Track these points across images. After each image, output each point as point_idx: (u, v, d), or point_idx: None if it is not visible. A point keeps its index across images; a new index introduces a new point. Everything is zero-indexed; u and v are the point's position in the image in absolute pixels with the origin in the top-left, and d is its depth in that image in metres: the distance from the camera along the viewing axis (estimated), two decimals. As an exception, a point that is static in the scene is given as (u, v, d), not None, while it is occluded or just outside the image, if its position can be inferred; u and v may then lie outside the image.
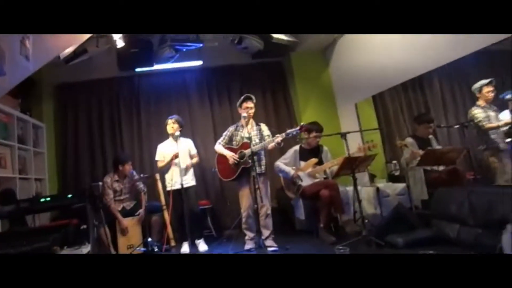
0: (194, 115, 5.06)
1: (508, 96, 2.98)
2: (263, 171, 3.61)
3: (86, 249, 2.59)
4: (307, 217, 3.83)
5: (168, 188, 3.79)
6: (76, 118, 4.86)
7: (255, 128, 3.70)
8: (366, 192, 4.06)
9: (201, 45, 4.31)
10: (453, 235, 2.63)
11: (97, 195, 2.84)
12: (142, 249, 3.79)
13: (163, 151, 3.91)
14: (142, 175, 4.02)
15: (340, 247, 2.09)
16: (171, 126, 3.86)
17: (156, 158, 3.98)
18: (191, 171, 3.91)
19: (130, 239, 3.87)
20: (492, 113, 3.09)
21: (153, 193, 4.33)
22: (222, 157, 3.69)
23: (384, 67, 3.97)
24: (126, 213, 3.95)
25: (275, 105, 5.27)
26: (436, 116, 3.66)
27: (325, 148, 3.97)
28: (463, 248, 2.45)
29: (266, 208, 3.53)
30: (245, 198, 3.60)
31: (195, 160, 3.96)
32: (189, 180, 3.82)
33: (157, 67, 4.66)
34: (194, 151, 4.01)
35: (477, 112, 3.11)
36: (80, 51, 4.03)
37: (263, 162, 3.63)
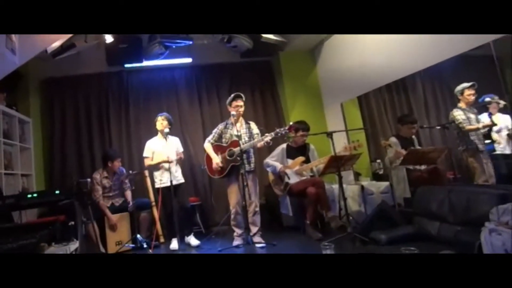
0: (183, 112, 5.06)
1: (487, 99, 3.10)
2: (252, 169, 3.66)
3: (74, 245, 2.59)
4: (294, 213, 3.91)
5: (157, 186, 3.80)
6: (64, 113, 4.80)
7: (244, 126, 3.74)
8: (351, 190, 4.16)
9: (190, 42, 4.32)
10: (434, 232, 2.73)
11: (85, 191, 2.83)
12: (131, 245, 3.80)
13: (152, 148, 3.92)
14: (131, 172, 4.02)
15: (326, 243, 2.16)
16: (161, 122, 3.86)
17: (144, 154, 3.97)
18: (179, 169, 3.93)
19: (119, 236, 3.87)
20: (472, 115, 3.20)
21: (142, 189, 4.34)
22: (210, 156, 3.73)
23: (369, 68, 4.07)
24: (115, 210, 3.94)
25: (264, 104, 5.32)
26: (419, 117, 3.78)
27: (311, 146, 4.05)
28: (443, 244, 2.55)
29: (254, 205, 3.60)
30: (233, 195, 3.65)
31: (179, 156, 3.96)
32: (179, 178, 3.84)
33: (146, 63, 4.64)
34: (181, 149, 4.03)
35: (458, 114, 3.21)
36: (68, 45, 3.98)
37: (252, 160, 3.69)
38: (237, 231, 3.66)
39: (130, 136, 4.88)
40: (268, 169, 4.01)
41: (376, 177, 4.36)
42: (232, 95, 3.70)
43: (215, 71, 5.26)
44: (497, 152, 3.08)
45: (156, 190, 3.84)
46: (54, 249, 2.39)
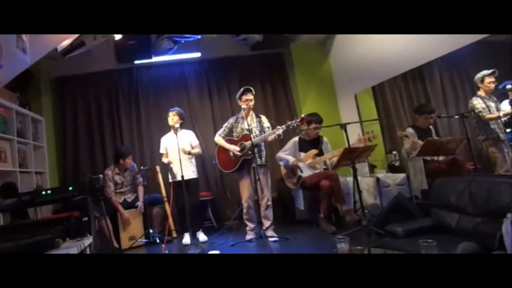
0: (193, 107, 5.05)
1: (508, 86, 2.97)
2: (263, 163, 3.62)
3: (88, 241, 2.60)
4: (307, 207, 3.86)
5: (170, 180, 3.78)
6: (75, 111, 4.85)
7: (255, 119, 3.70)
8: (366, 182, 4.07)
9: (199, 36, 4.28)
10: (453, 224, 2.64)
11: (97, 188, 2.84)
12: (144, 240, 3.82)
13: (165, 144, 3.92)
14: (142, 168, 4.03)
15: (340, 237, 2.10)
16: (171, 118, 3.84)
17: (160, 151, 3.99)
18: (193, 163, 3.90)
19: (132, 231, 3.90)
20: (492, 104, 3.08)
21: (154, 185, 4.35)
22: (222, 149, 3.69)
23: (384, 57, 3.95)
24: (127, 206, 3.97)
25: (275, 97, 5.25)
26: (436, 107, 3.66)
27: (325, 139, 3.97)
28: (462, 236, 2.47)
29: (266, 199, 3.56)
30: (245, 189, 3.62)
31: (196, 150, 3.91)
32: (190, 173, 3.82)
33: (155, 59, 4.63)
34: (195, 142, 3.98)
35: (477, 103, 3.11)
36: (77, 43, 3.99)
37: (264, 153, 3.65)
38: (250, 225, 3.63)
39: (141, 132, 4.91)
40: (281, 163, 3.96)
41: (392, 169, 4.25)
42: (242, 89, 3.65)
43: (224, 65, 5.21)
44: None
45: (170, 185, 3.83)
46: (69, 244, 2.40)
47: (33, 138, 4.18)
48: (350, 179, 4.02)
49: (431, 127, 3.62)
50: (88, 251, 2.60)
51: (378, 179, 3.94)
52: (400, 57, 3.71)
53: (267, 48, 4.99)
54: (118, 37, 4.01)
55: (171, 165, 3.77)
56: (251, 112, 3.71)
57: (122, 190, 4.05)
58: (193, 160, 3.91)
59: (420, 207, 3.07)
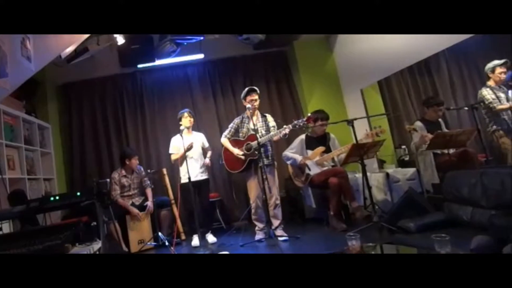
0: (198, 109, 5.04)
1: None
2: (270, 162, 3.59)
3: (97, 245, 2.60)
4: (317, 205, 3.82)
5: (183, 181, 3.74)
6: (81, 117, 4.88)
7: (260, 119, 3.67)
8: (376, 178, 4.02)
9: (201, 38, 4.27)
10: (466, 218, 2.58)
11: (105, 192, 2.84)
12: (153, 243, 3.82)
13: (177, 144, 3.86)
14: (149, 171, 4.03)
15: (351, 234, 2.06)
16: (188, 119, 3.84)
17: (170, 151, 3.96)
18: (203, 165, 3.90)
19: (141, 234, 3.89)
20: (502, 94, 3.03)
21: (161, 187, 4.35)
22: (229, 150, 3.68)
23: (389, 51, 3.89)
24: (136, 208, 3.97)
25: (280, 95, 5.22)
26: (445, 99, 3.60)
27: (332, 135, 3.93)
28: (476, 230, 2.41)
29: (275, 198, 3.53)
30: (253, 189, 3.59)
31: (209, 154, 3.96)
32: (203, 174, 3.83)
33: (158, 62, 4.63)
34: (207, 144, 4.01)
35: (487, 93, 3.05)
36: (81, 49, 4.01)
37: (270, 153, 3.62)
38: (259, 225, 3.60)
39: (146, 135, 4.91)
40: (288, 162, 3.92)
41: (402, 163, 4.19)
42: (246, 89, 3.63)
43: (228, 65, 5.20)
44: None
45: (177, 187, 3.81)
46: (78, 249, 2.40)
47: (40, 145, 4.21)
48: (359, 175, 3.98)
49: (440, 119, 3.56)
50: (97, 256, 2.60)
51: (387, 175, 3.88)
52: (406, 50, 3.65)
53: (270, 47, 4.98)
54: (121, 41, 4.02)
55: (184, 165, 3.74)
56: (257, 112, 3.69)
57: (130, 193, 4.05)
58: (202, 162, 3.91)
59: (431, 202, 3.02)
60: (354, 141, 3.36)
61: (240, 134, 3.70)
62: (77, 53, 4.06)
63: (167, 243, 3.63)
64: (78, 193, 2.84)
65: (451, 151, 3.29)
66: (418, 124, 3.52)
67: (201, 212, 3.74)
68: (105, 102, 4.96)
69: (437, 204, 2.94)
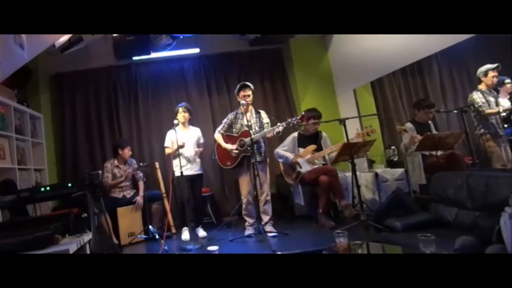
0: (192, 103, 4.98)
1: (507, 81, 2.98)
2: (262, 159, 3.62)
3: (87, 237, 2.60)
4: (306, 202, 3.87)
5: (176, 174, 3.73)
6: (74, 108, 4.84)
7: (254, 115, 3.69)
8: (365, 177, 4.09)
9: (198, 32, 4.25)
10: (451, 218, 2.65)
11: (96, 183, 2.84)
12: (143, 236, 3.84)
13: (172, 138, 3.82)
14: (141, 164, 4.04)
15: (339, 231, 2.11)
16: (183, 115, 3.83)
17: (165, 144, 3.93)
18: (198, 160, 3.91)
19: (131, 227, 3.91)
20: (491, 99, 3.09)
21: (153, 181, 4.36)
22: (222, 146, 3.69)
23: (383, 52, 3.94)
24: (127, 202, 3.98)
25: (274, 92, 5.24)
26: (435, 101, 3.66)
27: (324, 134, 3.97)
28: (460, 230, 2.48)
29: (265, 194, 3.57)
30: (245, 185, 3.63)
31: (202, 149, 3.97)
32: (198, 169, 3.84)
33: (154, 55, 4.61)
34: (202, 140, 4.01)
35: (478, 97, 3.11)
36: (75, 39, 3.98)
37: (263, 149, 3.65)
38: (249, 220, 3.64)
39: (140, 128, 4.90)
40: (280, 160, 3.95)
41: (391, 164, 4.27)
42: (239, 85, 3.65)
43: (223, 61, 5.19)
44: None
45: (169, 181, 3.82)
46: (68, 240, 2.40)
47: (32, 135, 4.16)
48: (349, 174, 4.03)
49: (430, 122, 3.63)
50: (87, 247, 2.61)
51: (376, 174, 3.95)
52: (399, 52, 3.71)
53: (266, 44, 4.99)
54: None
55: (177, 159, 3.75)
56: (251, 108, 3.71)
57: (122, 185, 4.06)
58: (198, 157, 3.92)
59: (418, 202, 3.09)
60: (346, 140, 3.41)
61: (234, 130, 3.72)
62: (71, 42, 4.03)
63: (157, 236, 3.65)
64: (69, 184, 2.84)
65: (439, 153, 3.36)
66: (409, 125, 3.58)
67: (193, 207, 3.76)
68: (98, 94, 4.92)
69: (424, 204, 3.01)
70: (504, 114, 3.04)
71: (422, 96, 3.91)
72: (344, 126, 3.43)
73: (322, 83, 5.11)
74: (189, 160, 3.76)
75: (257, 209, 3.47)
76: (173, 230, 4.17)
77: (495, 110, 3.05)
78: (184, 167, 3.66)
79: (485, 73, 3.08)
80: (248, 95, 3.60)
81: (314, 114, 3.84)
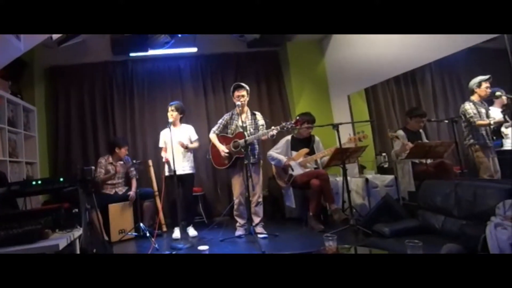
0: (188, 102, 5.03)
1: (498, 93, 3.04)
2: (256, 161, 3.65)
3: (77, 232, 2.60)
4: (297, 205, 3.90)
5: (167, 173, 3.77)
6: (68, 102, 4.80)
7: (250, 117, 3.71)
8: (355, 183, 4.14)
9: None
10: (438, 226, 2.70)
11: (89, 179, 2.83)
12: (134, 233, 3.83)
13: (164, 138, 3.90)
14: (135, 161, 4.03)
15: (328, 235, 2.14)
16: (170, 114, 3.83)
17: (160, 145, 3.98)
18: (191, 158, 3.90)
19: (122, 224, 3.90)
20: (483, 110, 3.14)
21: (146, 179, 4.35)
22: (216, 146, 3.71)
23: (378, 59, 4.00)
24: (119, 198, 3.98)
25: (270, 95, 5.27)
26: (427, 110, 3.73)
27: (316, 138, 4.02)
28: (447, 238, 2.53)
29: (257, 196, 3.59)
30: (237, 186, 3.65)
31: (194, 145, 3.93)
32: (187, 168, 3.83)
33: (151, 52, 4.62)
34: (194, 137, 3.99)
35: (469, 108, 3.15)
36: (73, 33, 3.96)
37: (257, 151, 3.67)
38: (240, 221, 3.67)
39: (134, 125, 4.89)
40: (273, 162, 3.98)
41: (381, 170, 4.33)
42: (234, 85, 3.67)
43: (220, 61, 5.21)
44: (506, 148, 3.03)
45: (161, 179, 3.82)
46: (58, 235, 2.40)
47: (25, 127, 4.14)
48: (339, 178, 4.08)
49: (421, 130, 3.69)
50: (77, 243, 2.60)
51: (367, 180, 4.01)
52: (394, 60, 3.77)
53: (264, 46, 5.02)
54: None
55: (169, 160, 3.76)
56: (246, 109, 3.73)
57: (114, 182, 4.05)
58: (191, 155, 3.91)
59: (407, 208, 3.14)
60: (338, 145, 3.45)
61: (229, 131, 3.74)
62: (68, 35, 4.00)
63: (148, 234, 3.65)
64: (61, 179, 2.83)
65: (429, 161, 3.42)
66: (400, 133, 3.64)
67: (184, 206, 3.76)
68: (93, 89, 4.89)
69: (412, 211, 3.06)
70: (494, 126, 3.09)
71: (414, 105, 3.97)
72: (337, 131, 3.47)
73: (317, 88, 5.16)
74: (182, 156, 3.75)
75: (249, 210, 3.50)
76: (164, 229, 4.17)
77: (486, 121, 3.10)
78: (176, 166, 3.65)
79: (479, 84, 3.13)
80: (243, 96, 3.61)
81: (308, 118, 3.89)
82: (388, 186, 3.93)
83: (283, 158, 3.84)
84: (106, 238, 3.72)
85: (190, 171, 3.86)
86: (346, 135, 3.74)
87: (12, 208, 3.09)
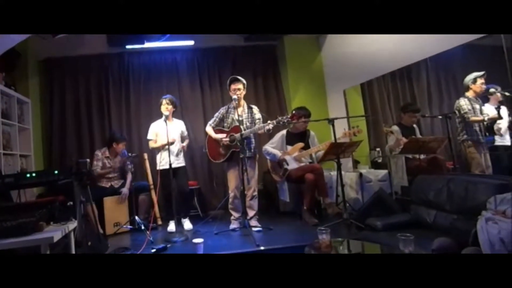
0: (184, 96, 5.03)
1: (491, 90, 3.06)
2: (252, 155, 3.66)
3: (72, 225, 2.61)
4: (291, 199, 3.93)
5: (158, 168, 3.77)
6: (63, 94, 4.76)
7: (246, 110, 3.71)
8: (349, 177, 4.18)
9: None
10: (430, 220, 2.75)
11: (84, 172, 2.83)
12: (129, 226, 3.85)
13: (155, 130, 3.89)
14: (130, 154, 4.03)
15: (322, 229, 2.17)
16: (166, 107, 3.81)
17: (148, 136, 3.95)
18: (181, 152, 3.92)
19: (117, 217, 3.91)
20: (477, 106, 3.16)
21: (141, 172, 4.35)
22: (212, 139, 3.72)
23: (374, 55, 4.01)
24: (114, 192, 3.98)
25: (266, 89, 5.27)
26: (421, 106, 3.76)
27: (312, 133, 4.03)
28: (438, 232, 2.57)
29: (252, 189, 3.61)
30: (233, 180, 3.67)
31: (186, 142, 3.98)
32: (180, 161, 3.84)
33: (148, 45, 4.60)
34: (185, 133, 4.01)
35: (464, 103, 3.17)
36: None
37: (253, 145, 3.68)
38: (234, 214, 3.69)
39: (130, 118, 4.87)
40: (268, 156, 3.99)
41: (375, 165, 4.37)
42: (230, 78, 3.66)
43: (217, 55, 5.19)
44: (498, 144, 3.06)
45: (157, 172, 3.83)
46: (53, 228, 2.41)
47: (19, 120, 4.10)
48: (334, 173, 4.11)
49: (415, 125, 3.72)
50: (72, 235, 2.61)
51: (361, 174, 4.04)
52: (390, 56, 3.78)
53: (261, 39, 5.01)
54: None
55: (161, 152, 3.77)
56: (243, 103, 3.72)
57: (110, 175, 4.05)
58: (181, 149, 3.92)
59: (399, 203, 3.19)
60: (333, 140, 3.47)
61: (225, 124, 3.74)
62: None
63: (143, 227, 3.66)
64: (56, 171, 2.82)
65: (422, 156, 3.45)
66: (395, 128, 3.67)
67: (180, 198, 3.78)
68: (89, 81, 4.85)
69: (405, 205, 3.11)
70: (487, 123, 3.12)
71: (409, 101, 3.99)
72: (333, 125, 3.49)
73: (314, 82, 5.17)
74: (173, 153, 3.75)
75: (243, 203, 3.52)
76: (159, 222, 4.19)
77: (480, 118, 3.13)
78: (165, 160, 3.67)
79: (474, 81, 3.15)
80: (239, 89, 3.60)
81: (303, 112, 3.89)
82: (382, 180, 3.98)
83: (278, 153, 3.86)
84: (101, 231, 3.73)
85: (182, 164, 3.88)
86: (341, 130, 3.76)
87: (6, 200, 3.09)
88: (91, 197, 3.39)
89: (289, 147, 3.92)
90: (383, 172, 4.01)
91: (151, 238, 3.31)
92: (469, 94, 3.17)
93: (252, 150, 3.67)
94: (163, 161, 3.71)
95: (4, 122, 3.78)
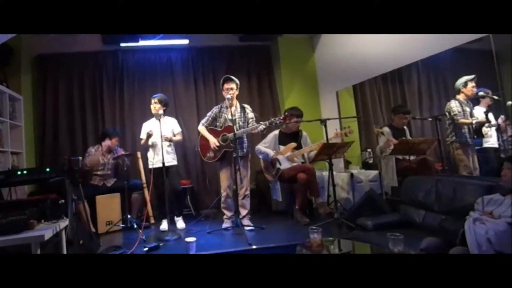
0: (178, 94, 5.03)
1: (480, 93, 3.12)
2: (244, 154, 3.68)
3: (63, 223, 2.60)
4: (283, 199, 3.97)
5: (150, 167, 3.78)
6: (56, 91, 4.72)
7: (239, 109, 3.72)
8: (341, 177, 4.22)
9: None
10: (419, 220, 2.80)
11: (76, 169, 2.82)
12: (121, 225, 3.84)
13: (147, 129, 3.88)
14: (124, 153, 4.02)
15: (313, 228, 2.21)
16: (153, 106, 3.81)
17: (141, 136, 3.95)
18: (173, 150, 3.91)
19: (110, 215, 3.90)
20: (467, 109, 3.21)
21: (134, 171, 4.34)
22: (205, 138, 3.73)
23: (367, 57, 4.06)
24: (107, 190, 3.97)
25: (260, 89, 5.30)
26: (412, 108, 3.82)
27: (304, 133, 4.06)
28: (427, 232, 2.62)
29: (245, 189, 3.64)
30: (225, 179, 3.68)
31: (177, 138, 3.93)
32: (170, 159, 3.83)
33: (142, 43, 4.59)
34: (177, 130, 3.98)
35: (455, 106, 3.22)
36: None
37: (245, 145, 3.70)
38: (227, 213, 3.71)
39: (123, 116, 4.85)
40: (260, 156, 4.02)
41: (366, 165, 4.42)
42: (223, 77, 3.67)
43: (212, 54, 5.20)
44: (485, 146, 3.12)
45: (149, 171, 3.82)
46: (44, 226, 2.39)
47: (10, 116, 4.06)
48: (325, 173, 4.15)
49: (405, 127, 3.78)
50: (63, 234, 2.61)
51: (352, 175, 4.10)
52: (382, 58, 3.83)
53: (256, 39, 5.03)
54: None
55: (151, 151, 3.77)
56: (236, 102, 3.73)
57: (103, 173, 4.03)
58: (173, 148, 3.91)
59: (389, 203, 3.23)
60: (325, 140, 3.51)
61: (218, 124, 3.75)
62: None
63: (135, 226, 3.66)
64: (48, 169, 2.80)
65: (412, 157, 3.51)
66: (386, 129, 3.72)
67: (172, 197, 3.78)
68: (83, 78, 4.82)
69: (394, 205, 3.16)
70: (475, 125, 3.18)
71: (400, 102, 4.05)
72: (325, 126, 3.53)
73: (307, 83, 5.21)
74: (162, 150, 3.75)
75: (236, 203, 3.54)
76: (152, 221, 4.18)
77: (469, 120, 3.18)
78: (156, 159, 3.68)
79: (465, 84, 3.20)
80: (232, 88, 3.61)
81: (296, 112, 3.93)
82: (372, 181, 4.04)
83: (271, 152, 3.89)
84: (93, 229, 3.71)
85: (174, 163, 3.88)
86: (333, 130, 3.81)
87: (-3, 198, 3.06)
88: (83, 195, 3.39)
89: (282, 147, 3.95)
90: (373, 173, 4.07)
91: (143, 237, 3.31)
92: (460, 97, 3.23)
93: (245, 150, 3.69)
94: (155, 160, 3.71)
95: (-5, 119, 3.75)
